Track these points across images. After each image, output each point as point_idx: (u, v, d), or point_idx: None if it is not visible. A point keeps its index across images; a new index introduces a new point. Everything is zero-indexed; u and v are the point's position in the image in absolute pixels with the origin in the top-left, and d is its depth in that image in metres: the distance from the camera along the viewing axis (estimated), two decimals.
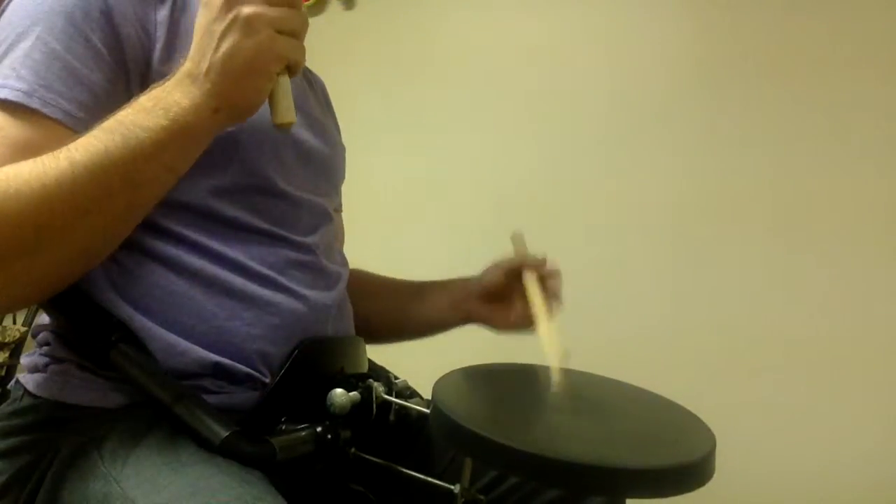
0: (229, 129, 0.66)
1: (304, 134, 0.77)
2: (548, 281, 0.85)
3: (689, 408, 0.63)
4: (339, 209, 0.92)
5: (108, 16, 0.62)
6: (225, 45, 0.55)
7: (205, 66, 0.56)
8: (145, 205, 0.60)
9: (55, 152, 0.54)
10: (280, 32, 0.57)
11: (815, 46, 1.42)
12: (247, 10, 0.56)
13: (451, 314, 0.92)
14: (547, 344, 0.74)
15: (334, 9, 2.06)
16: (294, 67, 0.60)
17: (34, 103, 0.57)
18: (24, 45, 0.59)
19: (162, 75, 0.64)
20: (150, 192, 0.59)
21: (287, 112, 0.59)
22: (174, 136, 0.55)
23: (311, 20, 2.32)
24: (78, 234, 0.55)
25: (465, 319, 0.92)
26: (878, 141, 1.35)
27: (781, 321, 1.41)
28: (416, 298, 0.95)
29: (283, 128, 0.60)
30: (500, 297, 0.88)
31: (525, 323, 0.85)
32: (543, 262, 0.87)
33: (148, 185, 0.58)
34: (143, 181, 0.56)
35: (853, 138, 1.37)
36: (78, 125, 0.59)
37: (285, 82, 0.60)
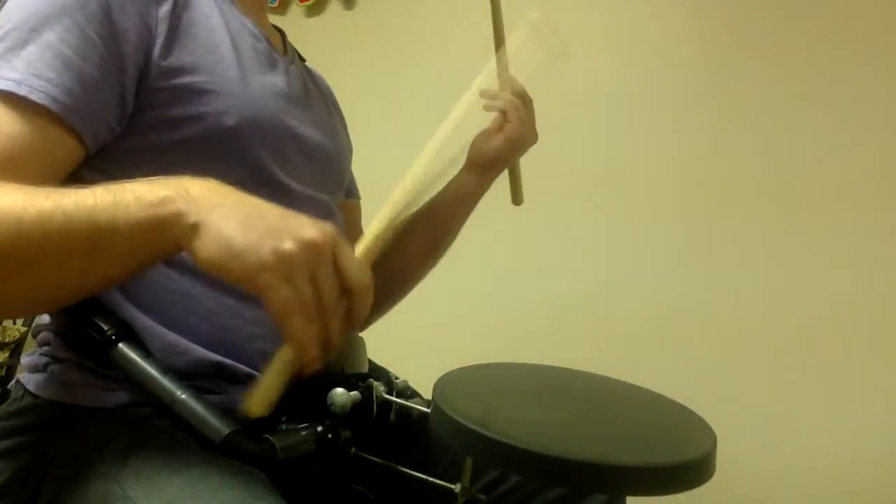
0: (231, 123, 0.67)
1: (306, 130, 0.77)
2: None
3: (689, 406, 0.63)
4: (355, 194, 0.95)
5: (105, 9, 0.62)
6: (257, 247, 0.48)
7: (230, 230, 0.49)
8: (98, 278, 0.54)
9: (48, 192, 0.51)
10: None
11: (816, 30, 1.42)
12: (299, 284, 0.48)
13: (471, 179, 0.96)
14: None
15: (334, 9, 2.06)
16: None
17: (22, 91, 0.57)
18: (19, 35, 0.59)
19: (163, 70, 0.64)
20: (107, 267, 0.53)
21: None
22: (152, 232, 0.51)
23: (311, 20, 2.29)
24: (23, 280, 0.51)
25: (481, 170, 0.96)
26: (881, 123, 1.35)
27: (783, 316, 1.40)
28: (436, 202, 0.97)
29: None
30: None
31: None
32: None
33: (107, 260, 0.52)
34: (104, 252, 0.52)
35: (855, 121, 1.37)
36: (66, 112, 0.59)
37: None
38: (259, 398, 0.54)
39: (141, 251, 0.52)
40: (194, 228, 0.49)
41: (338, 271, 0.50)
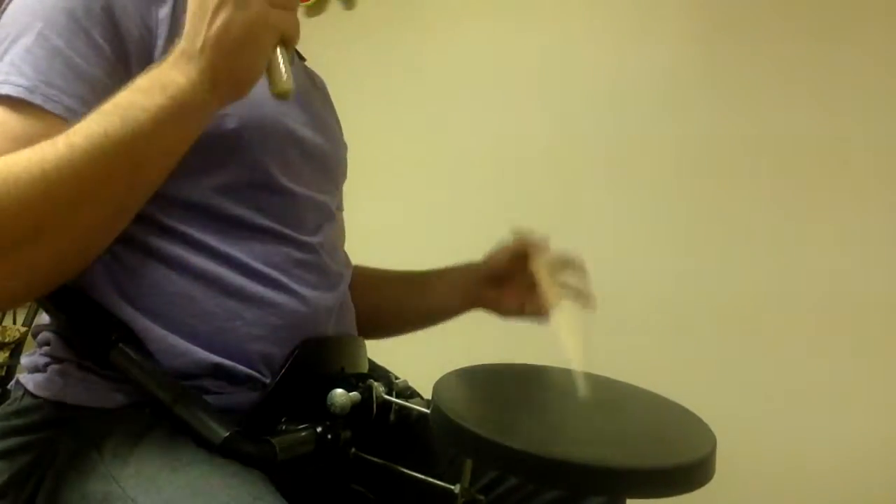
0: (232, 126, 0.66)
1: (307, 132, 0.77)
2: (565, 270, 0.84)
3: (689, 406, 0.63)
4: (340, 208, 0.92)
5: (108, 12, 0.62)
6: (218, 20, 0.55)
7: (199, 42, 0.55)
8: (145, 189, 0.59)
9: (53, 139, 0.53)
10: (273, 5, 0.57)
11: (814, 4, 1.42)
12: None
13: (456, 301, 0.92)
14: (564, 339, 0.71)
15: (334, 9, 2.06)
16: (289, 40, 0.60)
17: (36, 99, 0.57)
18: (25, 40, 0.59)
19: None
20: (150, 174, 0.58)
21: (283, 81, 0.58)
22: (173, 114, 0.55)
23: (311, 20, 2.29)
24: (78, 221, 0.55)
25: (472, 305, 0.92)
26: (882, 109, 1.34)
27: (784, 316, 1.40)
28: (419, 287, 0.95)
29: (282, 97, 0.60)
30: (507, 280, 0.88)
31: (537, 311, 0.84)
32: (547, 244, 0.86)
33: (148, 167, 0.57)
34: (143, 162, 0.56)
35: (853, 100, 1.36)
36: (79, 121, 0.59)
37: (281, 53, 0.59)
38: (279, 78, 0.59)
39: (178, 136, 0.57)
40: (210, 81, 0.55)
41: None
